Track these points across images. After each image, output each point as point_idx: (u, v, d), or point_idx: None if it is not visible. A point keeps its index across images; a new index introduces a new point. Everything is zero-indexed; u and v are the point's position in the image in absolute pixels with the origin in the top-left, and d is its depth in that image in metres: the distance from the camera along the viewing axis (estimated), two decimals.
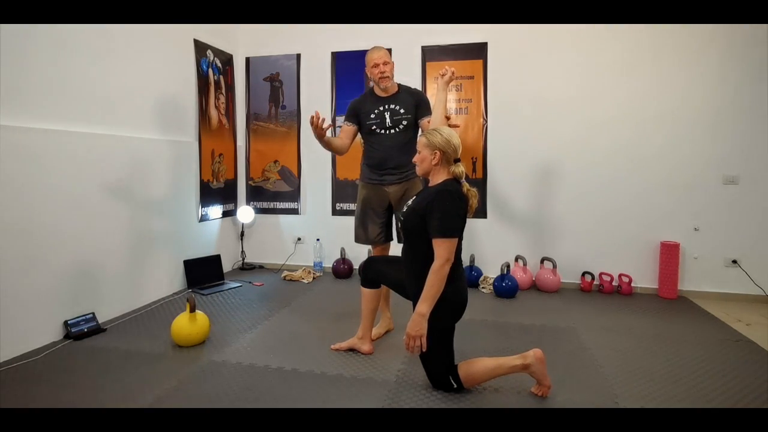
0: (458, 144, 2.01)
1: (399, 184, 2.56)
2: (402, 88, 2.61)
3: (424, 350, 1.92)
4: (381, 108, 2.56)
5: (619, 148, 3.60)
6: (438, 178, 2.03)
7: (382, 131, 2.56)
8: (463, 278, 2.04)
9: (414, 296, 2.03)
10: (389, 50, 4.00)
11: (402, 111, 2.53)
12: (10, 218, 2.31)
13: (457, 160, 2.01)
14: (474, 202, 1.99)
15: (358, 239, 2.71)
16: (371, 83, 2.63)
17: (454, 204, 1.91)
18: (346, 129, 2.64)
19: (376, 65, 2.51)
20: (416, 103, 2.56)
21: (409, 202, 2.13)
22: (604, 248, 3.68)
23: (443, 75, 2.35)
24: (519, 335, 2.70)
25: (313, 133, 2.37)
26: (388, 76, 2.51)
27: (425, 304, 1.90)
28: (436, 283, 1.88)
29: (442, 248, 1.89)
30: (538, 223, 3.80)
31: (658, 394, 2.02)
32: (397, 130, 2.54)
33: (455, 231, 1.91)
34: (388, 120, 2.54)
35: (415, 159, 2.09)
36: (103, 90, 2.85)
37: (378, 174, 2.59)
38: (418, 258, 2.00)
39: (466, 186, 2.00)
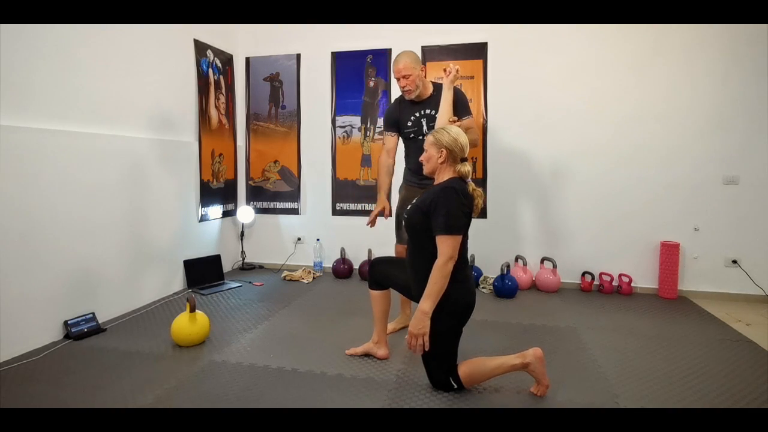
0: (465, 143, 2.00)
1: None
2: (437, 90, 2.56)
3: (426, 349, 1.91)
4: (417, 114, 2.56)
5: (620, 148, 3.60)
6: (443, 176, 2.02)
7: (421, 137, 2.55)
8: (469, 279, 2.03)
9: (418, 294, 2.02)
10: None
11: (437, 115, 2.49)
12: (10, 218, 2.31)
13: (463, 160, 2.01)
14: (479, 202, 1.98)
15: (397, 239, 2.76)
16: None
17: (459, 201, 1.90)
18: (389, 139, 2.67)
19: (398, 79, 2.49)
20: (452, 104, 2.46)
21: (414, 199, 2.13)
22: (604, 248, 3.68)
23: (448, 73, 2.34)
24: (519, 335, 2.70)
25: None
26: (410, 90, 2.49)
27: (428, 302, 1.89)
28: (438, 280, 1.88)
29: (445, 245, 1.88)
30: (538, 223, 3.80)
31: (658, 394, 2.02)
32: None
33: (459, 228, 1.90)
34: (425, 126, 2.54)
35: (422, 158, 2.08)
36: (103, 90, 2.85)
37: (418, 178, 2.60)
38: (423, 256, 1.99)
39: (472, 186, 1.99)
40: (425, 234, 1.96)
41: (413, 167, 2.62)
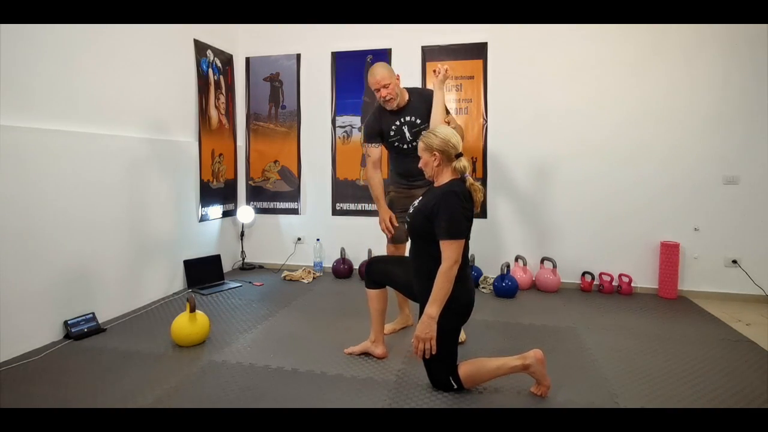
0: (457, 141, 1.99)
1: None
2: (413, 95, 2.57)
3: (433, 353, 1.91)
4: (398, 123, 2.55)
5: (620, 148, 3.60)
6: (443, 178, 2.02)
7: (405, 146, 2.57)
8: (469, 279, 2.04)
9: (421, 296, 2.03)
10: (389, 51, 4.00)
11: (419, 122, 2.52)
12: (10, 218, 2.31)
13: (459, 155, 2.00)
14: (479, 196, 1.98)
15: (388, 240, 2.73)
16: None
17: (461, 205, 1.91)
18: (374, 151, 2.63)
19: (377, 90, 2.47)
20: (429, 107, 2.48)
21: (416, 202, 2.13)
22: (604, 248, 3.68)
23: (437, 74, 2.35)
24: (519, 335, 2.70)
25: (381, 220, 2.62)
26: (391, 99, 2.46)
27: (434, 306, 1.89)
28: (444, 285, 1.88)
29: (449, 250, 1.88)
30: (538, 223, 3.80)
31: (658, 394, 2.02)
32: (418, 141, 2.52)
33: (462, 233, 1.91)
34: (407, 134, 2.54)
35: (420, 164, 2.08)
36: (103, 90, 2.85)
37: (407, 181, 2.63)
38: (425, 258, 2.00)
39: (470, 180, 1.99)
40: (428, 237, 1.96)
41: (401, 172, 2.65)
